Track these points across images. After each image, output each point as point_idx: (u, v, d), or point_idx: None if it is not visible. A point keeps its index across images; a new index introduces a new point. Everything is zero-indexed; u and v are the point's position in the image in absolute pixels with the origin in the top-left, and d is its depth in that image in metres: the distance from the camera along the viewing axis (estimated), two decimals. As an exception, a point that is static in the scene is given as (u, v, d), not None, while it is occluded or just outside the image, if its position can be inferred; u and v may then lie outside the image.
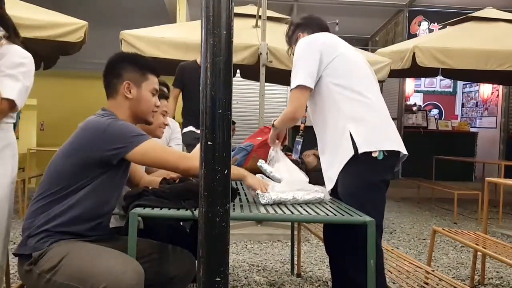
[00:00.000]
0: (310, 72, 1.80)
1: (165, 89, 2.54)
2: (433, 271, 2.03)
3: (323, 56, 1.82)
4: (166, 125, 2.09)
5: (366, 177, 1.76)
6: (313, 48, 1.84)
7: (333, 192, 1.82)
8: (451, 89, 9.27)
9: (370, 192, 1.76)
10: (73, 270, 1.34)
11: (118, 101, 1.61)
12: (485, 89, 8.23)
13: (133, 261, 1.35)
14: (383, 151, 1.74)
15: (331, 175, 1.81)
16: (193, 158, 1.48)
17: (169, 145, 2.87)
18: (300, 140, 2.27)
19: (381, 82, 5.07)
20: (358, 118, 1.78)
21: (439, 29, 7.10)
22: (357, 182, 1.76)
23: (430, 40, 5.16)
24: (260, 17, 4.29)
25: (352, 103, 1.79)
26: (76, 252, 1.39)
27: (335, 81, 1.81)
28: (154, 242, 1.68)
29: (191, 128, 3.95)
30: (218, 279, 0.90)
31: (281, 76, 5.44)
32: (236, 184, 2.01)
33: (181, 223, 2.32)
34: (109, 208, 1.58)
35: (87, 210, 1.48)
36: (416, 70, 4.89)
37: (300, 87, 1.80)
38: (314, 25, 2.05)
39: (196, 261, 1.14)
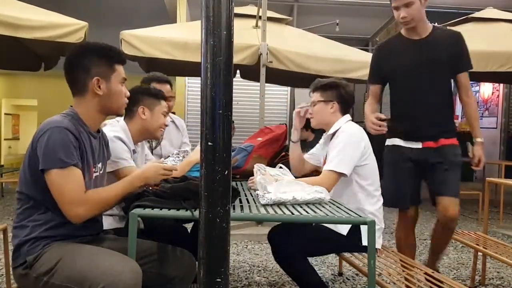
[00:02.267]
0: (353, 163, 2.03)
1: (168, 86, 2.52)
2: (433, 272, 2.02)
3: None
4: (166, 125, 2.08)
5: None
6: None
7: None
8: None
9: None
10: (71, 271, 1.34)
11: (87, 98, 1.51)
12: (486, 89, 8.22)
13: (130, 261, 1.35)
14: None
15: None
16: (90, 204, 1.39)
17: (179, 152, 2.70)
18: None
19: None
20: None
21: (439, 29, 7.09)
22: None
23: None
24: (260, 17, 4.30)
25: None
26: (72, 253, 1.38)
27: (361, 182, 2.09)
28: (154, 243, 1.67)
29: (396, 141, 2.40)
30: (218, 279, 0.89)
31: (281, 77, 5.45)
32: (237, 185, 2.01)
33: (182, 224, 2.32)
34: None
35: (61, 213, 1.44)
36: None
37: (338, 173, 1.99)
38: None
39: (197, 262, 1.13)
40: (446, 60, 2.31)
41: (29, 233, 1.42)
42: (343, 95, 2.17)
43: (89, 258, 1.36)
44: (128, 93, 1.60)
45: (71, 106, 1.53)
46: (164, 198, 1.42)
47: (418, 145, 2.30)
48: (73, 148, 1.39)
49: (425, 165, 2.32)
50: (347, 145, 2.02)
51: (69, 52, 1.53)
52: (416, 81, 2.30)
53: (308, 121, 2.08)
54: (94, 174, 1.55)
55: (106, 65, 1.51)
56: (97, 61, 1.50)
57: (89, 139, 1.51)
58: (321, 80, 2.25)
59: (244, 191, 1.89)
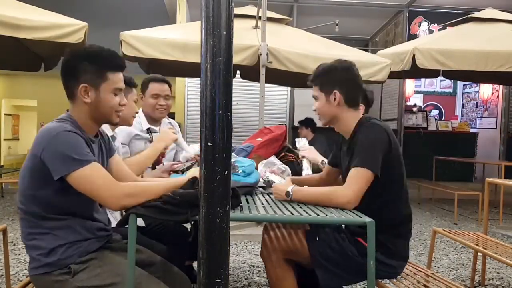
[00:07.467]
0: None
1: (167, 86, 2.53)
2: (432, 273, 2.02)
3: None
4: (136, 113, 2.09)
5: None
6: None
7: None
8: (451, 90, 9.27)
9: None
10: None
11: (77, 105, 1.44)
12: (485, 90, 8.22)
13: None
14: None
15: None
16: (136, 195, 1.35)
17: (176, 159, 2.69)
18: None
19: (381, 82, 5.07)
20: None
21: (439, 29, 7.10)
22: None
23: (430, 42, 5.15)
24: (260, 18, 4.30)
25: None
26: (125, 280, 1.35)
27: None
28: (157, 257, 1.64)
29: None
30: (218, 280, 0.90)
31: (281, 77, 5.45)
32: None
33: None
34: (96, 208, 1.53)
35: (76, 218, 1.43)
36: (416, 71, 4.89)
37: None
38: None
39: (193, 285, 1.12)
40: None
41: (52, 243, 1.38)
42: None
43: None
44: (124, 101, 1.53)
45: (67, 110, 1.50)
46: (171, 205, 1.35)
47: None
48: (86, 146, 1.37)
49: None
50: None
51: (64, 56, 1.47)
52: None
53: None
54: None
55: (96, 73, 1.42)
56: (87, 68, 1.41)
57: (87, 145, 1.49)
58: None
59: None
